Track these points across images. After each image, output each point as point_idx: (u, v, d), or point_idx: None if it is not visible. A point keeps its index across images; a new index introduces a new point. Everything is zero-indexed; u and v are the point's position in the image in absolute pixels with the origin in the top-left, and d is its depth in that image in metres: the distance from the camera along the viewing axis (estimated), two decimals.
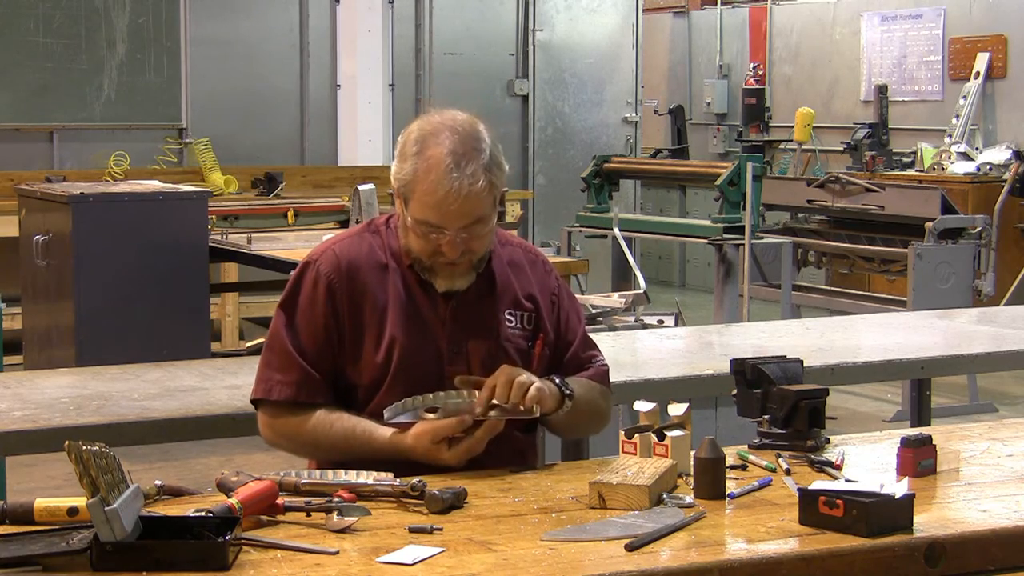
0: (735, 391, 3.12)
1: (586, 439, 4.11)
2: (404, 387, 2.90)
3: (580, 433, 3.09)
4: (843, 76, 13.16)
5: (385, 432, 2.87)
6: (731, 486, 2.67)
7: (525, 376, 2.84)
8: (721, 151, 13.94)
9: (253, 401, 3.02)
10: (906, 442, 2.83)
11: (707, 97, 14.33)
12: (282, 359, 2.95)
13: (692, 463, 2.68)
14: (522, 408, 2.81)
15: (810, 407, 2.99)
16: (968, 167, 11.07)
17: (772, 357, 3.16)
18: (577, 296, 6.02)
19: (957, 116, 11.68)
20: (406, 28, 11.35)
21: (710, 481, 2.64)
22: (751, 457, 2.90)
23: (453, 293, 2.97)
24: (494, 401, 2.82)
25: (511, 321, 3.02)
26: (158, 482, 2.63)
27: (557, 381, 2.93)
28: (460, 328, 2.97)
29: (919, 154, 11.74)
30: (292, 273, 3.04)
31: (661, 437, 2.80)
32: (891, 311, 7.51)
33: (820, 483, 2.62)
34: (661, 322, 6.02)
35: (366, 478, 2.65)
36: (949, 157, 11.32)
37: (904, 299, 8.08)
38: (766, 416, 3.03)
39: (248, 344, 8.61)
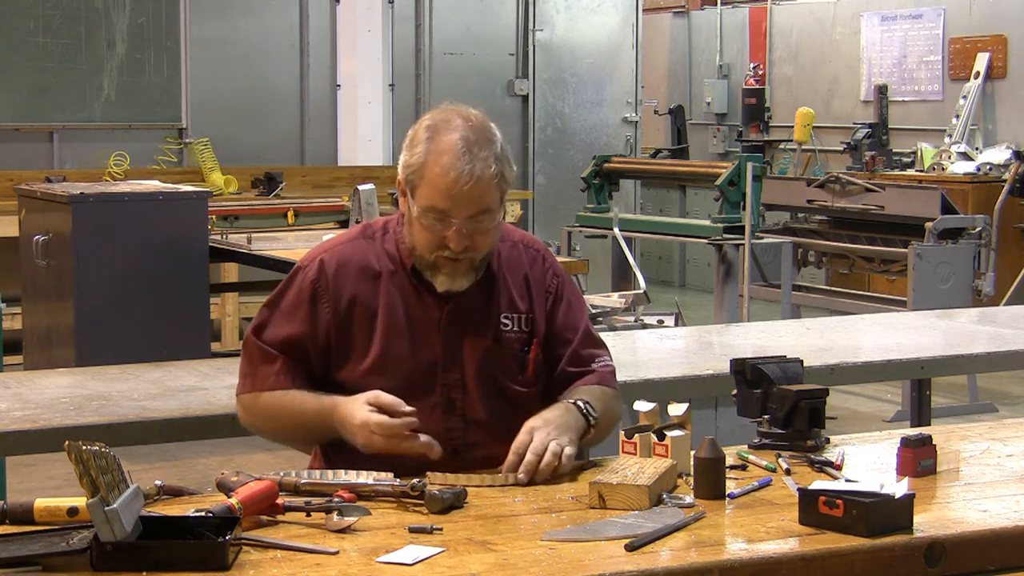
0: (735, 391, 3.12)
1: None
2: (397, 393, 2.85)
3: (596, 443, 3.10)
4: (843, 76, 13.16)
5: (328, 397, 2.88)
6: (731, 486, 2.67)
7: (554, 443, 2.78)
8: (721, 151, 13.94)
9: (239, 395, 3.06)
10: (906, 442, 2.83)
11: (707, 97, 14.34)
12: (262, 354, 2.96)
13: (692, 463, 2.68)
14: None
15: (810, 407, 2.99)
16: (968, 167, 11.07)
17: (772, 357, 3.16)
18: None
19: (957, 116, 11.68)
20: (406, 28, 11.36)
21: (710, 481, 2.64)
22: (751, 457, 2.90)
23: (450, 297, 2.94)
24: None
25: (507, 324, 2.98)
26: (158, 482, 2.63)
27: (583, 409, 2.89)
28: (456, 333, 2.94)
29: (919, 154, 11.74)
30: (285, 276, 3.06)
31: (661, 437, 2.80)
32: (891, 311, 7.51)
33: (820, 483, 2.62)
34: (661, 322, 6.02)
35: (366, 478, 2.65)
36: (949, 157, 11.32)
37: (904, 299, 8.07)
38: (766, 416, 3.03)
39: None
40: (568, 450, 2.79)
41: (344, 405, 2.83)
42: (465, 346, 2.95)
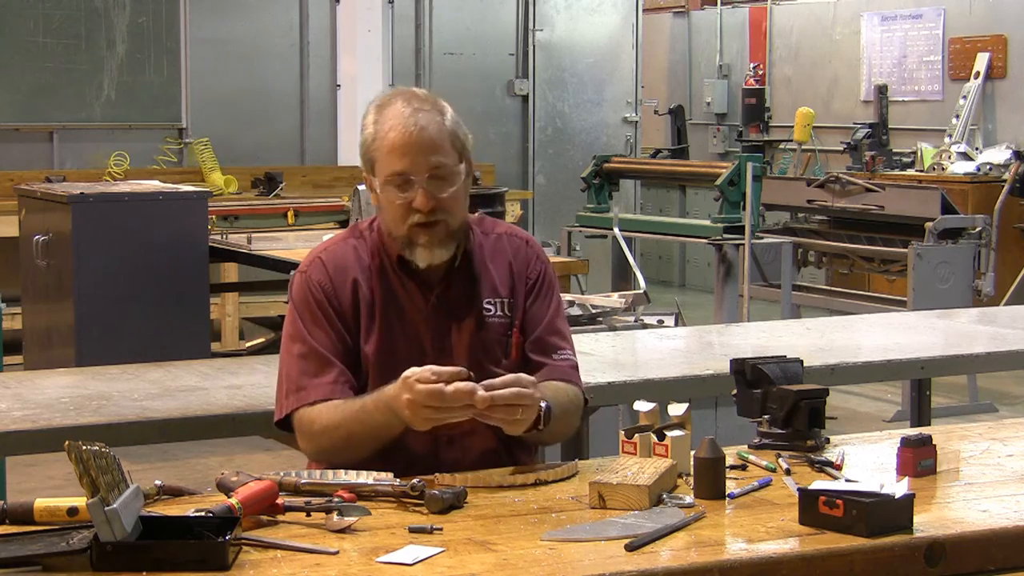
0: (735, 391, 3.12)
1: (586, 439, 4.12)
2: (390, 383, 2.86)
3: (546, 442, 3.10)
4: (843, 76, 13.16)
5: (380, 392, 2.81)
6: (731, 486, 2.67)
7: (535, 395, 2.77)
8: (721, 151, 13.94)
9: (283, 419, 2.95)
10: (906, 442, 2.83)
11: (707, 97, 14.33)
12: (316, 364, 2.92)
13: (692, 463, 2.68)
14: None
15: (810, 407, 2.99)
16: (968, 167, 11.07)
17: (772, 357, 3.16)
18: (577, 296, 6.04)
19: (957, 116, 11.68)
20: (406, 28, 11.35)
21: (710, 481, 2.64)
22: (751, 457, 2.90)
23: (433, 286, 2.98)
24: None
25: (490, 310, 3.03)
26: (158, 482, 2.63)
27: (543, 408, 2.81)
28: (443, 321, 2.99)
29: (919, 154, 11.74)
30: (290, 290, 3.05)
31: (661, 437, 2.80)
32: (891, 311, 7.51)
33: (820, 483, 2.62)
34: (661, 322, 6.01)
35: (366, 478, 2.65)
36: (949, 157, 11.32)
37: (904, 299, 8.07)
38: (766, 416, 3.03)
39: (248, 344, 8.60)
40: (529, 414, 2.75)
41: (391, 387, 2.76)
42: (452, 334, 2.99)
